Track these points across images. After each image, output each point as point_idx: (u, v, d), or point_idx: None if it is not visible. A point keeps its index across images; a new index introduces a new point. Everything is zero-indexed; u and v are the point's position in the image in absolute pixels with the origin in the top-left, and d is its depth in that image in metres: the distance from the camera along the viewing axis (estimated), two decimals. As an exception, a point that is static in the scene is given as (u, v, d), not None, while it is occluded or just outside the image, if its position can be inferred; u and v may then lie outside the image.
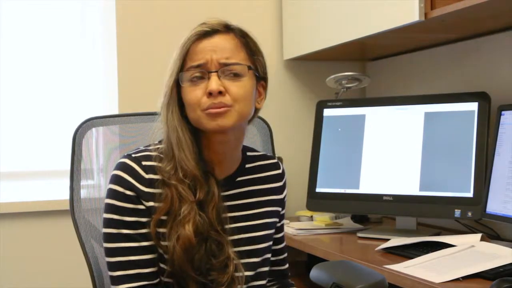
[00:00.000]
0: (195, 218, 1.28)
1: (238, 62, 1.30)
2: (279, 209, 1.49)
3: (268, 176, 1.47)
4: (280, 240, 1.54)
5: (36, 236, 2.46)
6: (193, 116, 1.30)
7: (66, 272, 2.45)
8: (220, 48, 1.29)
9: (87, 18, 2.64)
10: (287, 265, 1.59)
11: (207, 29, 1.31)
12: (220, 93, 1.27)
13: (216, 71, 1.28)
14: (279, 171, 1.50)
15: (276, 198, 1.47)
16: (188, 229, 1.27)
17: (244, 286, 1.35)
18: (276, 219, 1.48)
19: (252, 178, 1.43)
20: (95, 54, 2.65)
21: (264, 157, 1.50)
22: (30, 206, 2.45)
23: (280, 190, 1.49)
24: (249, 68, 1.32)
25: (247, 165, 1.44)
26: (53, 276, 2.46)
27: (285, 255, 1.57)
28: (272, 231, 1.47)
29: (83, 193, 1.58)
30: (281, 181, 1.50)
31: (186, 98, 1.30)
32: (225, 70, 1.29)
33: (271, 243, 1.47)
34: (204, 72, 1.29)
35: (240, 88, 1.29)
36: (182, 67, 1.31)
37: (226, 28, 1.33)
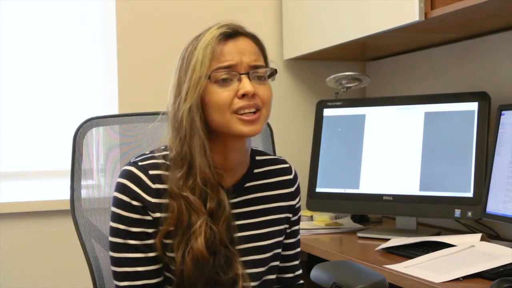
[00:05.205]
0: (206, 230, 1.24)
1: (264, 65, 1.30)
2: (290, 215, 1.43)
3: (277, 181, 1.41)
4: (291, 246, 1.47)
5: (36, 236, 2.45)
6: (219, 119, 1.25)
7: (66, 272, 2.44)
8: (248, 51, 1.28)
9: (87, 18, 2.64)
10: (298, 272, 1.50)
11: (229, 30, 1.28)
12: (253, 95, 1.25)
13: (247, 73, 1.26)
14: (290, 177, 1.44)
15: (286, 205, 1.42)
16: (201, 242, 1.23)
17: None
18: (286, 226, 1.43)
19: (260, 184, 1.38)
20: (95, 54, 2.65)
21: (274, 161, 1.44)
22: (30, 206, 2.45)
23: (291, 196, 1.43)
24: (275, 72, 1.32)
25: (256, 170, 1.39)
26: (53, 276, 2.46)
27: (296, 262, 1.49)
28: (281, 238, 1.41)
29: (84, 193, 1.58)
30: (292, 187, 1.44)
31: (214, 99, 1.25)
32: (253, 72, 1.27)
33: (279, 250, 1.42)
34: (233, 74, 1.26)
35: (267, 90, 1.29)
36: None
37: (244, 31, 1.31)
